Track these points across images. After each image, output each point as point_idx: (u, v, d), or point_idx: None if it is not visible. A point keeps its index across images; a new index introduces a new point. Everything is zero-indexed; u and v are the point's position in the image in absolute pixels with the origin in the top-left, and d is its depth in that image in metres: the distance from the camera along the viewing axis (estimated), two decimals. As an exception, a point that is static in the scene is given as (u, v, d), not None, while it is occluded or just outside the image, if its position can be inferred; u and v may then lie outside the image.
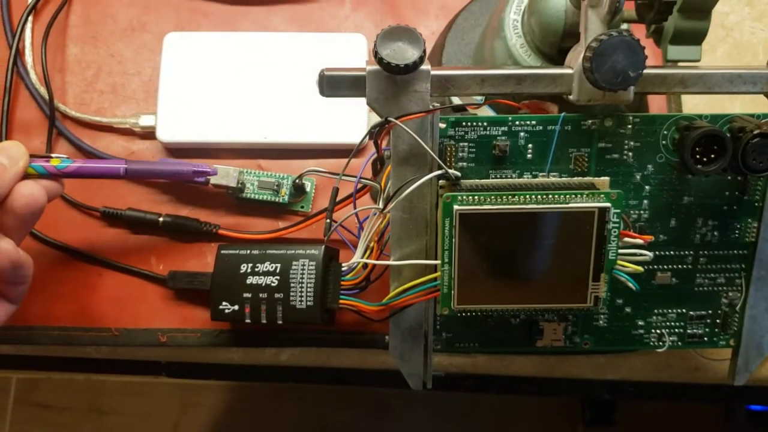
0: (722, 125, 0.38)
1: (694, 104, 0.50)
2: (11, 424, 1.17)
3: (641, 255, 0.37)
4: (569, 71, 0.37)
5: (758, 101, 0.41)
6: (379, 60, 0.35)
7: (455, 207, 0.36)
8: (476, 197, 0.36)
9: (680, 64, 0.39)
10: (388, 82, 0.36)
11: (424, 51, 0.35)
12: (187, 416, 1.17)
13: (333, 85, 0.36)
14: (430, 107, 0.36)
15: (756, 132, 0.36)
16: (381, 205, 0.39)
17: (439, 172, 0.37)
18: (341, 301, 0.43)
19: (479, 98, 0.42)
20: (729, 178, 0.40)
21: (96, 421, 1.17)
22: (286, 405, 1.14)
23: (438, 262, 0.37)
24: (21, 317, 0.45)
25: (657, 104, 0.50)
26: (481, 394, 1.10)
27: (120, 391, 1.17)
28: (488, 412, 1.13)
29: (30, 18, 0.51)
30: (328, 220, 0.41)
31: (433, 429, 1.13)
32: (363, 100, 0.36)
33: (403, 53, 0.35)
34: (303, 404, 1.14)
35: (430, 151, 0.37)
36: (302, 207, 0.49)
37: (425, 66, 0.36)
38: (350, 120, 0.49)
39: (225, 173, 0.47)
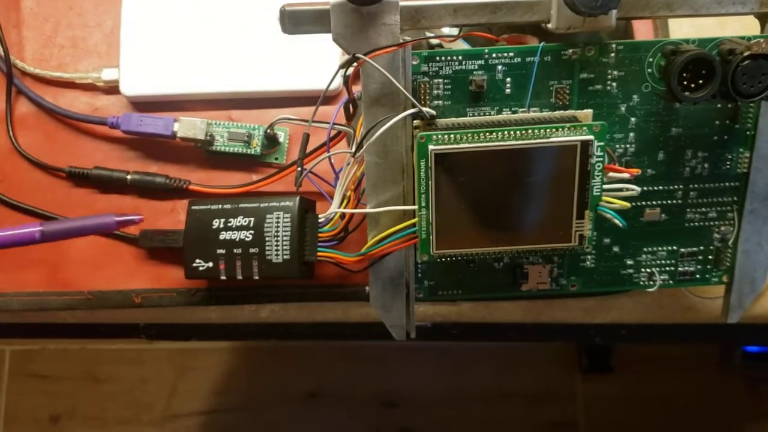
0: (711, 49, 0.36)
1: (683, 33, 0.48)
2: (8, 394, 1.17)
3: (628, 190, 0.36)
4: (547, -3, 0.35)
5: (749, 27, 0.39)
6: (342, -9, 0.32)
7: (430, 147, 0.34)
8: (452, 136, 0.34)
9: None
10: (354, 15, 0.34)
11: (391, -20, 0.33)
12: (184, 380, 1.16)
13: (295, 20, 0.34)
14: (401, 41, 0.34)
15: (746, 54, 0.34)
16: (353, 150, 0.37)
17: (412, 111, 0.35)
18: (319, 254, 0.41)
19: (456, 32, 0.40)
20: (719, 105, 0.38)
21: (93, 389, 1.17)
22: (283, 363, 1.14)
23: (415, 207, 0.36)
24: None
25: (644, 34, 0.48)
26: (477, 344, 1.10)
27: (115, 359, 1.17)
28: (485, 362, 1.13)
29: (-22, -31, 0.48)
30: (298, 169, 0.39)
31: (429, 380, 1.13)
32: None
33: (368, -18, 0.32)
34: (300, 362, 1.14)
35: (402, 88, 0.35)
36: (276, 158, 0.47)
37: (393, -4, 0.33)
38: (325, 65, 0.46)
39: (191, 125, 0.45)
